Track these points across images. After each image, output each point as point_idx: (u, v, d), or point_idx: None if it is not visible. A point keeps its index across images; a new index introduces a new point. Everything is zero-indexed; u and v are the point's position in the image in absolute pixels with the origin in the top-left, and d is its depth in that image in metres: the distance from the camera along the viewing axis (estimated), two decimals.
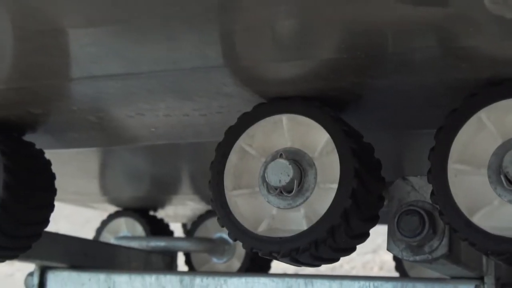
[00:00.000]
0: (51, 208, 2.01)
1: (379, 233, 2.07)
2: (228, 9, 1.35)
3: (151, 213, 3.32)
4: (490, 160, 1.50)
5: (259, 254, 1.63)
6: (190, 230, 3.24)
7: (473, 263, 1.80)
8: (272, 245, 1.60)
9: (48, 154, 2.04)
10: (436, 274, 1.94)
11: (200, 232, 3.17)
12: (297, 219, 1.62)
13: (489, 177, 1.49)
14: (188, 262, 3.18)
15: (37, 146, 2.03)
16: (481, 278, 1.87)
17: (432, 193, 1.53)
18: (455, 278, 1.90)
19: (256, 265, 3.01)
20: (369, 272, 5.64)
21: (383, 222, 1.68)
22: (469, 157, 1.52)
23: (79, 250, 2.50)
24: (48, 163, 2.02)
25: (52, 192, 2.01)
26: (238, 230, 1.64)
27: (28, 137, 2.04)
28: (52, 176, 2.02)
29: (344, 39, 1.40)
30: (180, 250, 3.10)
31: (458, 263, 1.70)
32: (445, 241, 1.61)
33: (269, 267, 3.15)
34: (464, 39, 1.35)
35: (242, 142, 1.69)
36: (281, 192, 1.62)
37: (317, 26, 1.38)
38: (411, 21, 1.31)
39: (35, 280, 2.44)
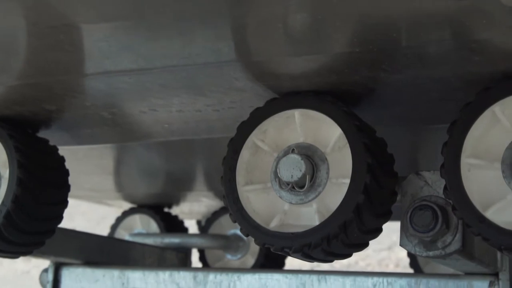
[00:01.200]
0: (64, 204, 2.01)
1: (394, 230, 2.06)
2: (241, 4, 1.34)
3: (166, 209, 3.33)
4: (504, 154, 1.48)
5: (271, 250, 1.63)
6: (204, 226, 3.24)
7: (487, 258, 1.78)
8: (284, 241, 1.59)
9: (62, 150, 2.05)
10: (450, 271, 1.93)
11: (214, 228, 3.18)
12: (309, 215, 1.62)
13: (502, 171, 1.48)
14: (202, 258, 3.19)
15: (51, 143, 2.04)
16: (495, 274, 1.86)
17: (445, 188, 1.52)
18: (469, 274, 1.89)
19: (270, 261, 3.01)
20: (385, 269, 5.62)
21: (398, 219, 1.67)
22: (483, 151, 1.51)
23: (94, 247, 2.51)
24: (61, 159, 2.03)
25: (66, 188, 2.02)
26: (250, 226, 1.64)
27: (42, 134, 2.05)
28: (66, 173, 2.03)
29: (357, 33, 1.40)
30: (194, 246, 3.10)
31: (472, 259, 1.69)
32: (458, 236, 1.60)
33: (283, 264, 3.15)
34: (478, 32, 1.34)
35: (254, 137, 1.68)
36: (293, 187, 1.62)
37: (330, 20, 1.37)
38: (425, 14, 1.30)
39: (50, 276, 2.46)
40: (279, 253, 1.63)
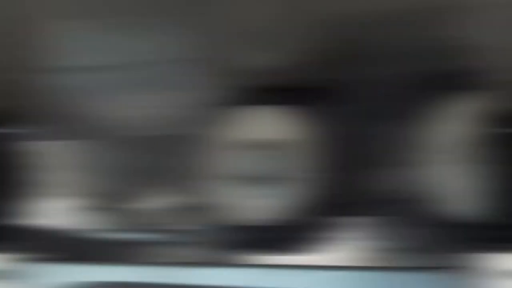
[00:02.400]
0: (31, 200, 2.00)
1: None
2: (205, 1, 1.36)
3: (130, 205, 3.31)
4: None
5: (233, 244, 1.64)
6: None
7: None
8: (245, 234, 1.61)
9: (29, 146, 2.04)
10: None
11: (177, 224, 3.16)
12: (272, 209, 1.63)
13: None
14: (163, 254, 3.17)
15: (18, 139, 2.03)
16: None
17: (414, 183, 1.54)
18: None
19: None
20: None
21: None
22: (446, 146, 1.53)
23: (68, 242, 2.51)
24: (29, 155, 2.02)
25: (33, 185, 2.01)
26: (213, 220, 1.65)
27: (8, 130, 2.04)
28: (33, 169, 2.02)
29: (322, 30, 1.41)
30: (160, 242, 3.09)
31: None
32: (422, 230, 1.62)
33: None
34: (450, 29, 1.35)
35: (220, 133, 1.69)
36: (257, 182, 1.63)
37: (295, 18, 1.38)
38: (388, 12, 1.32)
39: (27, 271, 2.44)
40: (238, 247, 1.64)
